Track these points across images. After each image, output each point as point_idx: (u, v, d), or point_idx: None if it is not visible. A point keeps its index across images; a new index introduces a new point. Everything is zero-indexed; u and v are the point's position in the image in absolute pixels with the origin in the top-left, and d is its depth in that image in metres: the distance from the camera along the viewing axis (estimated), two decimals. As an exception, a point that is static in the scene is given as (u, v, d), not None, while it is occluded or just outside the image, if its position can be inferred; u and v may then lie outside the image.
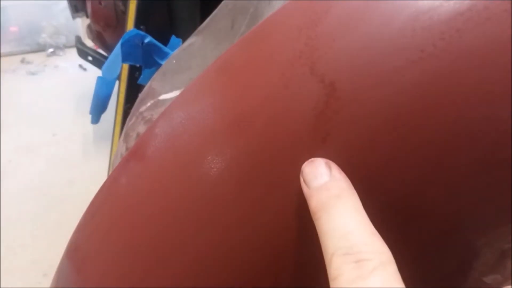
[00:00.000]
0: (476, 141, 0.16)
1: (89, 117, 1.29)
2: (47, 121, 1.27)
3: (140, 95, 0.36)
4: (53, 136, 1.22)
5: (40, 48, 1.71)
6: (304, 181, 0.16)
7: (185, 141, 0.20)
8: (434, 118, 0.15)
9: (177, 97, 0.22)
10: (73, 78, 1.53)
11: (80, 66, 1.58)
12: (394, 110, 0.16)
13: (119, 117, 0.74)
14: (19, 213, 0.95)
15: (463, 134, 0.16)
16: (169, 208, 0.20)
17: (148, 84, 0.37)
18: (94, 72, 1.53)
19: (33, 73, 1.56)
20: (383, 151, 0.16)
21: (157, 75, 0.37)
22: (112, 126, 0.85)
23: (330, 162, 0.16)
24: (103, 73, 0.41)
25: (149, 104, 0.34)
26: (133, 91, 0.71)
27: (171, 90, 0.35)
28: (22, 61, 1.64)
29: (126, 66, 0.73)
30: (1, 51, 1.66)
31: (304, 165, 0.17)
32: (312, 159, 0.16)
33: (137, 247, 0.21)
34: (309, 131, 0.16)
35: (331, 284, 0.14)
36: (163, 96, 0.34)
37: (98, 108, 0.48)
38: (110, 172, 0.24)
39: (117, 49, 0.38)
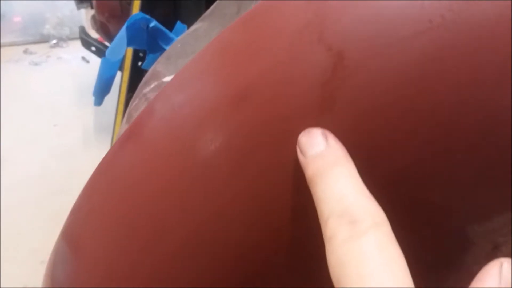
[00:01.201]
0: (482, 111, 0.16)
1: (90, 109, 1.30)
2: (49, 112, 1.27)
3: (144, 78, 0.36)
4: (54, 126, 1.22)
5: (44, 39, 1.71)
6: (300, 151, 0.17)
7: (183, 119, 0.20)
8: (441, 86, 0.15)
9: (173, 78, 0.22)
10: (75, 70, 1.53)
11: (83, 58, 1.58)
12: (401, 79, 0.16)
13: (121, 106, 0.74)
14: (19, 202, 0.95)
15: (470, 102, 0.16)
16: (167, 187, 0.20)
17: (152, 67, 0.37)
18: (96, 65, 1.52)
19: (36, 64, 1.56)
20: (389, 119, 0.16)
21: (161, 59, 0.37)
22: (114, 117, 0.85)
23: (326, 131, 0.16)
24: (107, 55, 0.41)
25: (152, 85, 0.34)
26: (136, 80, 0.71)
27: (175, 73, 0.35)
28: (25, 51, 1.64)
29: (129, 56, 0.73)
30: (5, 41, 1.66)
31: (300, 135, 0.17)
32: (309, 129, 0.17)
33: (135, 225, 0.21)
34: (315, 100, 0.16)
35: (326, 245, 0.14)
36: (167, 78, 0.34)
37: (102, 90, 0.48)
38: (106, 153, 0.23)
39: (122, 31, 0.38)
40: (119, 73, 0.82)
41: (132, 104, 0.35)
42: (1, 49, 1.63)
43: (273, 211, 0.19)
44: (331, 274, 0.14)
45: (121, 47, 0.38)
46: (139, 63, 0.72)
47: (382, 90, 0.16)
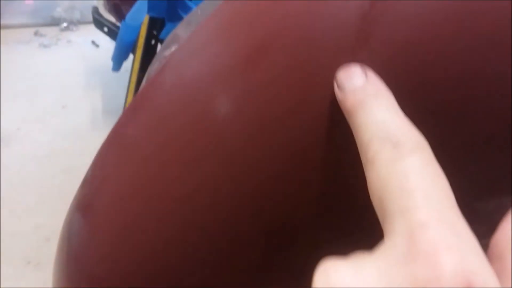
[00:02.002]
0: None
1: (99, 92, 1.29)
2: (58, 93, 1.27)
3: (164, 42, 0.36)
4: (63, 108, 1.21)
5: (54, 22, 1.70)
6: (338, 86, 0.16)
7: (194, 84, 0.19)
8: (483, 22, 0.15)
9: (182, 44, 0.21)
10: (85, 54, 1.53)
11: (93, 42, 1.57)
12: (441, 14, 0.15)
13: (132, 86, 0.73)
14: (25, 179, 0.95)
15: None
16: (180, 153, 0.20)
17: (173, 32, 0.36)
18: (106, 49, 1.53)
19: (45, 46, 1.56)
20: (425, 56, 0.15)
21: (182, 24, 0.36)
22: (124, 98, 0.84)
23: (366, 66, 0.16)
24: (127, 19, 0.40)
25: (173, 48, 0.33)
26: (149, 58, 0.70)
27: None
28: (36, 33, 1.63)
29: (143, 34, 0.72)
30: (15, 23, 1.66)
31: (338, 71, 0.16)
32: (347, 64, 0.16)
33: (149, 194, 0.21)
34: (351, 34, 0.16)
35: (367, 167, 0.14)
36: (188, 42, 0.33)
37: (121, 54, 0.47)
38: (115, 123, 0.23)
39: (143, -5, 0.37)
40: (131, 56, 0.82)
41: (153, 67, 0.34)
42: (12, 30, 1.63)
43: (301, 161, 0.18)
44: (372, 194, 0.14)
45: (142, 12, 0.37)
46: (152, 42, 0.71)
47: (421, 25, 0.15)
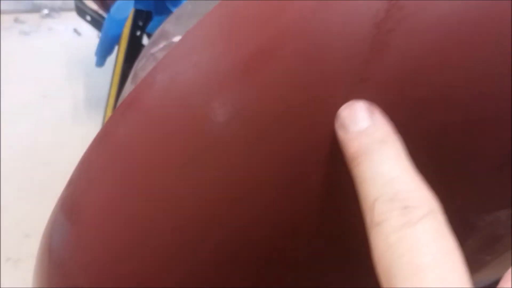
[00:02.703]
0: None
1: (81, 82, 1.26)
2: (38, 82, 1.24)
3: (152, 38, 0.34)
4: (43, 97, 1.18)
5: (35, 9, 1.66)
6: (341, 125, 0.15)
7: (188, 87, 0.19)
8: (504, 34, 0.14)
9: (176, 43, 0.20)
10: (66, 42, 1.49)
11: (75, 30, 1.53)
12: (459, 23, 0.14)
13: (116, 78, 0.71)
14: (3, 173, 0.92)
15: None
16: (173, 159, 0.19)
17: (161, 27, 0.35)
18: (88, 38, 1.49)
19: (26, 33, 1.52)
20: (445, 66, 0.14)
21: (170, 19, 0.35)
22: (107, 90, 0.82)
23: (373, 105, 0.15)
24: (112, 13, 0.39)
25: (161, 45, 0.32)
26: (134, 50, 0.68)
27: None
28: (16, 20, 1.59)
29: (128, 25, 0.70)
30: (-6, 9, 1.61)
31: (341, 108, 0.15)
32: (351, 101, 0.15)
33: (138, 201, 0.20)
34: (365, 42, 0.15)
35: (373, 230, 0.13)
36: (176, 38, 0.32)
37: (105, 49, 0.46)
38: (104, 124, 0.22)
39: (130, -13, 0.35)
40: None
41: (139, 64, 0.33)
42: (-10, 16, 1.58)
43: (300, 170, 0.17)
44: (377, 262, 0.13)
45: (128, 4, 0.36)
46: (138, 33, 0.70)
47: (439, 35, 0.14)
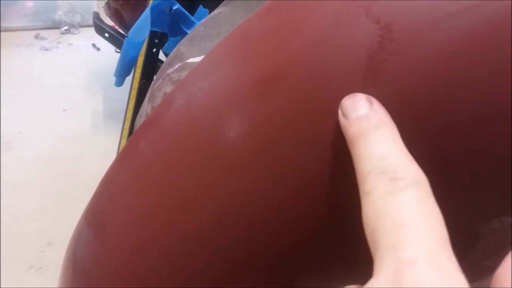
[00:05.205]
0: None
1: (100, 96, 1.30)
2: (58, 96, 1.27)
3: (167, 59, 0.36)
4: (64, 111, 1.22)
5: (55, 25, 1.71)
6: (343, 113, 0.17)
7: (205, 107, 0.20)
8: (490, 65, 0.15)
9: (195, 66, 0.22)
10: (86, 57, 1.53)
11: (94, 45, 1.58)
12: (449, 54, 0.16)
13: (134, 93, 0.74)
14: (27, 183, 0.95)
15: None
16: (190, 177, 0.20)
17: (176, 48, 0.37)
18: (107, 52, 1.54)
19: (46, 49, 1.57)
20: (435, 94, 0.16)
21: (184, 41, 0.37)
22: (126, 104, 0.85)
23: (371, 97, 0.16)
24: (130, 35, 0.41)
25: (176, 66, 0.34)
26: (150, 67, 0.71)
27: (199, 55, 0.35)
28: (36, 36, 1.64)
29: (145, 42, 0.73)
30: (16, 26, 1.66)
31: (344, 99, 0.17)
32: (352, 93, 0.17)
33: (157, 211, 0.21)
34: (360, 71, 0.16)
35: (363, 200, 0.14)
36: (191, 60, 0.34)
37: (124, 70, 0.48)
38: (127, 140, 0.23)
39: (147, 12, 0.38)
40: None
41: (155, 84, 0.35)
42: (12, 33, 1.64)
43: (309, 190, 0.18)
44: (366, 226, 0.14)
45: (145, 28, 0.38)
46: (154, 50, 0.72)
47: (428, 64, 0.16)
